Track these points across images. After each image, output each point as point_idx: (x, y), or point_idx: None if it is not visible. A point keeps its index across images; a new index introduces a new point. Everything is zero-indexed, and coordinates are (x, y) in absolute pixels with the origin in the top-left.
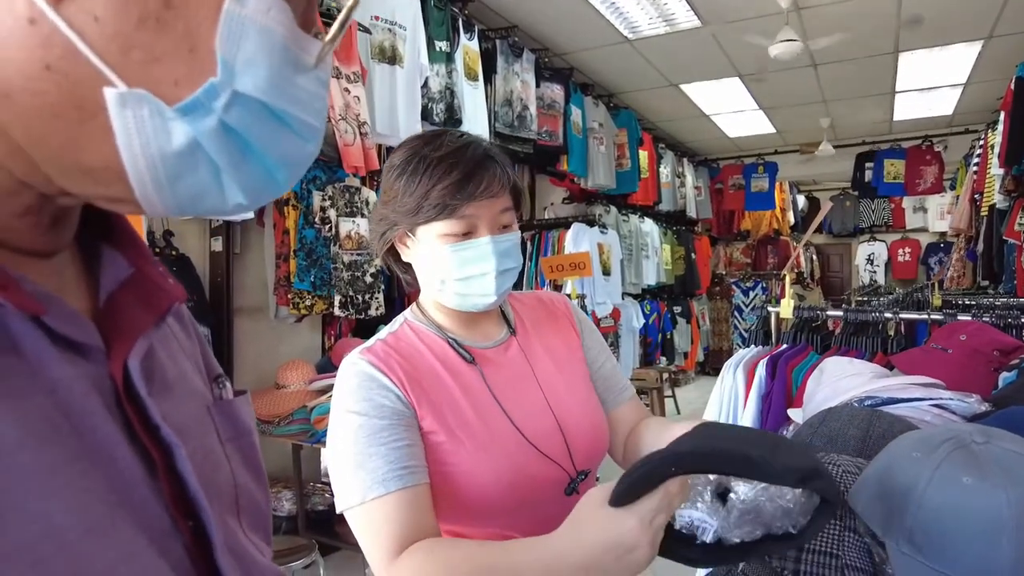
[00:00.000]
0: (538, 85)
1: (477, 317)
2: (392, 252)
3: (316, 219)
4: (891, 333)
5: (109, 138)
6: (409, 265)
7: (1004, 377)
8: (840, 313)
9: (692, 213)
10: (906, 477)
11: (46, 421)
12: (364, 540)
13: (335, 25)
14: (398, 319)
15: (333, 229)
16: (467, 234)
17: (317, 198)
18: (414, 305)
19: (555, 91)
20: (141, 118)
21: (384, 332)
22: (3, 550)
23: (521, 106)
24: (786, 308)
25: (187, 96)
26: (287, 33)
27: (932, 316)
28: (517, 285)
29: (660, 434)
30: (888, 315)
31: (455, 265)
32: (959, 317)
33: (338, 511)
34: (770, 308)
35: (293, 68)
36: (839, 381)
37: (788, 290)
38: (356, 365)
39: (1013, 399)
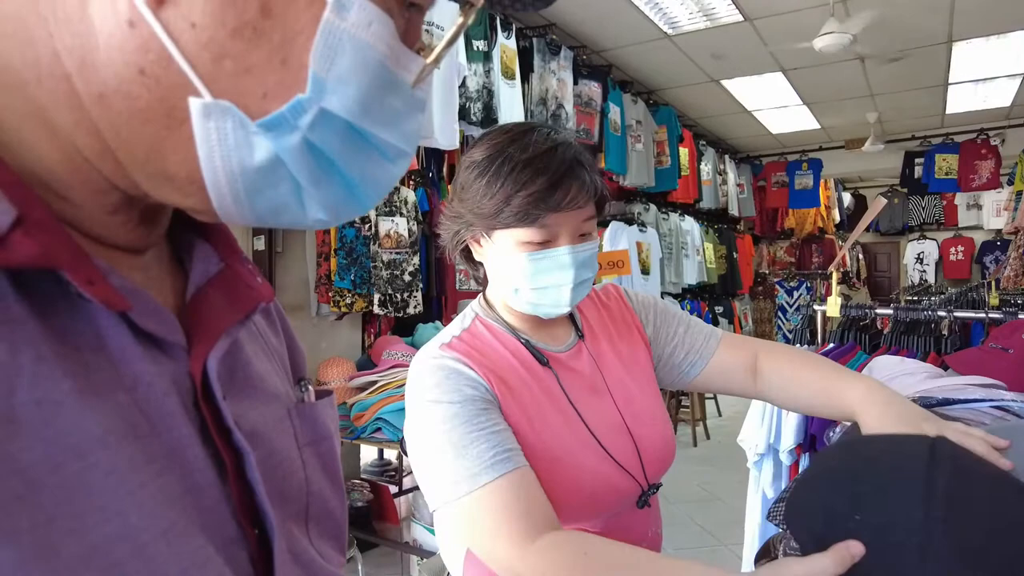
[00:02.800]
0: (576, 83)
1: (547, 320)
2: (465, 250)
3: (356, 218)
4: (944, 332)
5: (192, 148)
6: (479, 263)
7: None
8: (890, 311)
9: (734, 211)
10: None
11: (126, 419)
12: (482, 528)
13: (441, 44)
14: (467, 313)
15: (372, 228)
16: (547, 242)
17: None
18: (481, 299)
19: (592, 88)
20: (224, 130)
21: (455, 327)
22: (80, 551)
23: (556, 104)
24: (833, 306)
25: (273, 110)
26: (386, 50)
27: (990, 315)
28: None
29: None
30: (942, 313)
31: (531, 274)
32: (1020, 316)
33: (433, 508)
34: (816, 307)
35: (388, 88)
36: (890, 381)
37: (835, 287)
38: (438, 360)
39: None
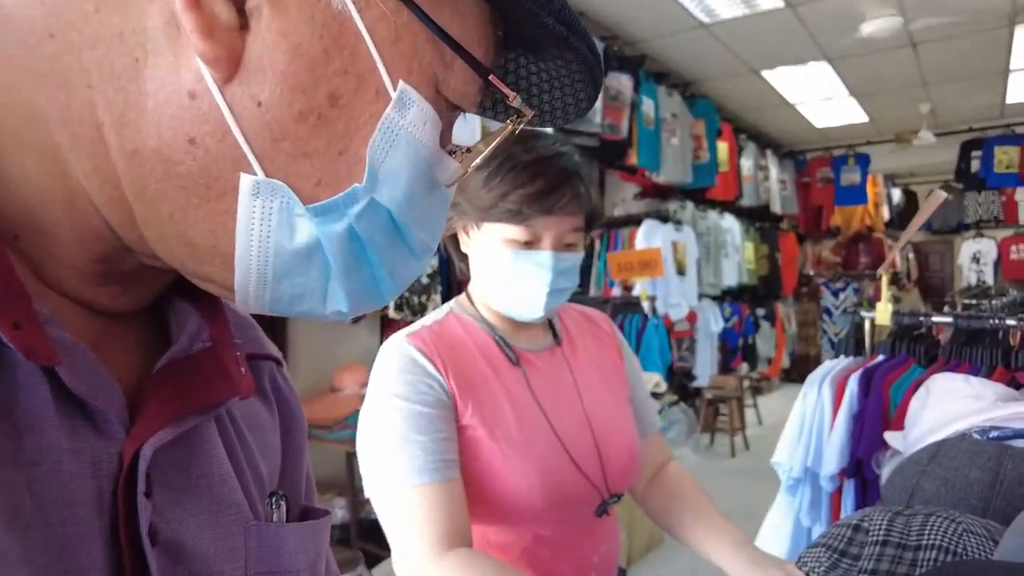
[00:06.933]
0: (605, 75)
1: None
2: (453, 238)
3: None
4: (1013, 343)
5: (226, 221)
6: (466, 255)
7: None
8: (948, 319)
9: (776, 208)
10: None
11: (10, 500)
12: (401, 527)
13: (483, 154)
14: (444, 308)
15: None
16: (530, 243)
17: None
18: (463, 296)
19: (622, 81)
20: (269, 210)
21: (429, 319)
22: None
23: None
24: (883, 313)
25: (325, 197)
26: (431, 150)
27: None
28: (584, 285)
29: (697, 517)
30: (1011, 322)
31: (509, 272)
32: None
33: (366, 494)
34: (864, 313)
35: (427, 186)
36: (952, 403)
37: (885, 293)
38: (400, 348)
39: None
